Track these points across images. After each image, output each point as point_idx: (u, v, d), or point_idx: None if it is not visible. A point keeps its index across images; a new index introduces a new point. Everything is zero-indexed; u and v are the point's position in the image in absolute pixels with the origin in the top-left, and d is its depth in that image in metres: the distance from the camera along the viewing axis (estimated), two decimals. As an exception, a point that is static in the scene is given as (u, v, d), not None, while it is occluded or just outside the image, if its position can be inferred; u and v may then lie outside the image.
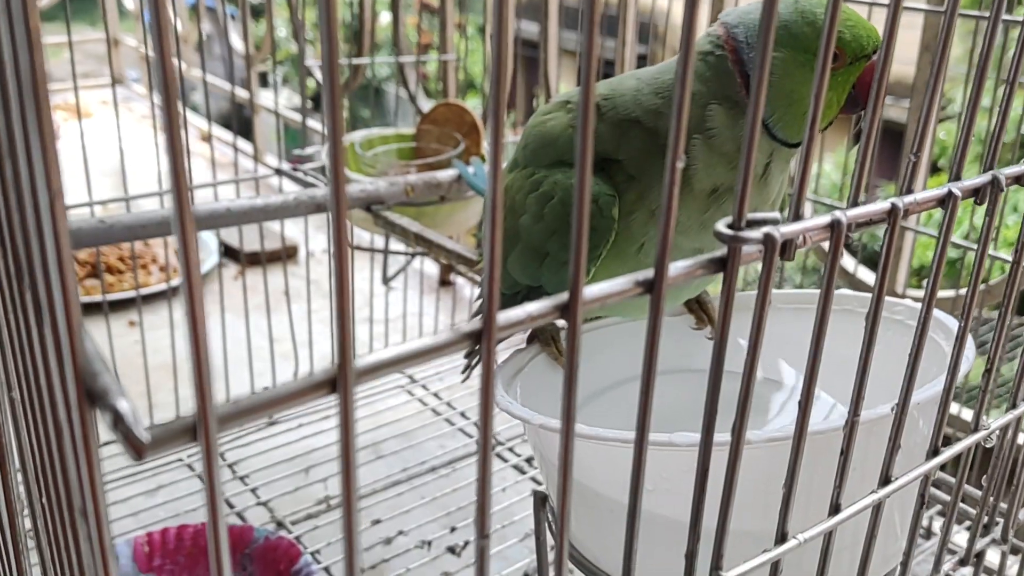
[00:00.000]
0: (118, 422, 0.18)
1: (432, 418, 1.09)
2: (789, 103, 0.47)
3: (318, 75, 1.50)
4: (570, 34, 1.50)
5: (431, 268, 1.50)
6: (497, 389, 0.47)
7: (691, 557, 0.30)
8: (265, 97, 2.32)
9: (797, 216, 0.27)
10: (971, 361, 0.41)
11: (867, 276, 1.01)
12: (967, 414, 0.88)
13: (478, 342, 0.22)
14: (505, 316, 0.22)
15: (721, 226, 0.26)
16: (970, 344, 0.42)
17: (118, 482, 0.92)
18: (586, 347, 0.54)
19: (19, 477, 0.33)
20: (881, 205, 0.29)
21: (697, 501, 0.29)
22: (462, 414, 1.09)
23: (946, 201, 0.31)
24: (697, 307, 0.56)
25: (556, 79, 1.35)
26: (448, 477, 0.98)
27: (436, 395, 1.13)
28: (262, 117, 2.07)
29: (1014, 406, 0.39)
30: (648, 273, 0.25)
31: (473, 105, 1.11)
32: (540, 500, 0.48)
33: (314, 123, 1.12)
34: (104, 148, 1.15)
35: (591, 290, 0.24)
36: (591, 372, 0.54)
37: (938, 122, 0.89)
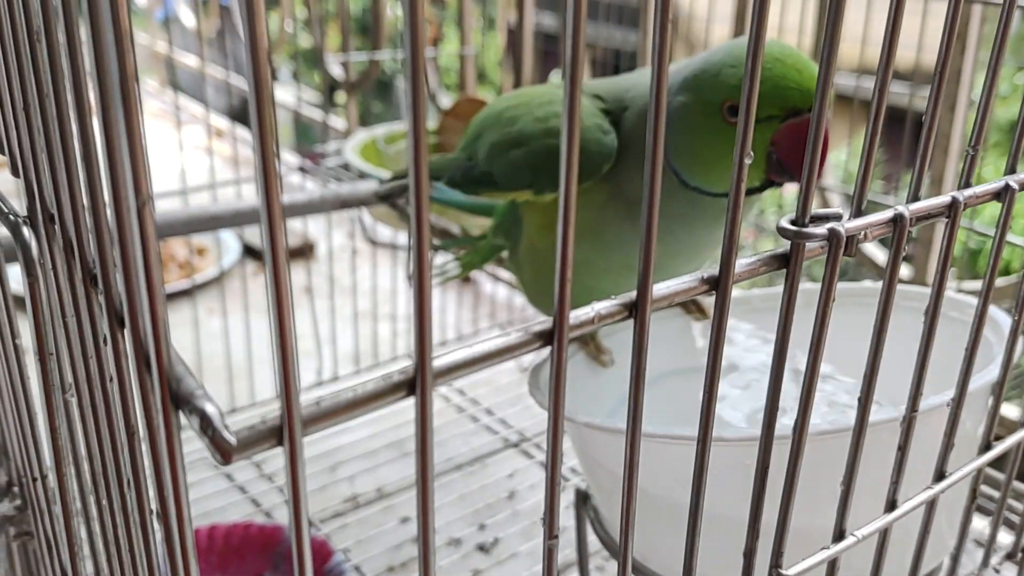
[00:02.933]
0: (206, 425, 0.18)
1: (456, 415, 1.09)
2: (692, 152, 0.46)
3: (335, 71, 1.50)
4: (590, 27, 1.50)
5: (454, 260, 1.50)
6: (538, 388, 0.47)
7: (750, 555, 0.30)
8: (278, 92, 2.32)
9: (859, 212, 0.27)
10: (1019, 351, 0.41)
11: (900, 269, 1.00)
12: (1007, 410, 0.88)
13: (549, 342, 0.22)
14: (575, 315, 0.22)
15: (784, 222, 0.26)
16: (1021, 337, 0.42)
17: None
18: (619, 346, 0.54)
19: (74, 477, 0.33)
20: (942, 199, 0.28)
21: (757, 498, 0.29)
22: (487, 410, 1.09)
23: (1003, 194, 0.30)
24: (693, 306, 0.56)
25: (531, 63, 1.35)
26: (475, 474, 0.98)
27: (460, 391, 1.13)
28: (275, 111, 2.07)
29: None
30: (714, 270, 0.25)
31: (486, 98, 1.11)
32: (581, 497, 0.48)
33: (328, 119, 1.13)
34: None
35: (659, 288, 0.24)
36: (624, 371, 0.54)
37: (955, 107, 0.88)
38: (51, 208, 0.27)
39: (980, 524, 0.78)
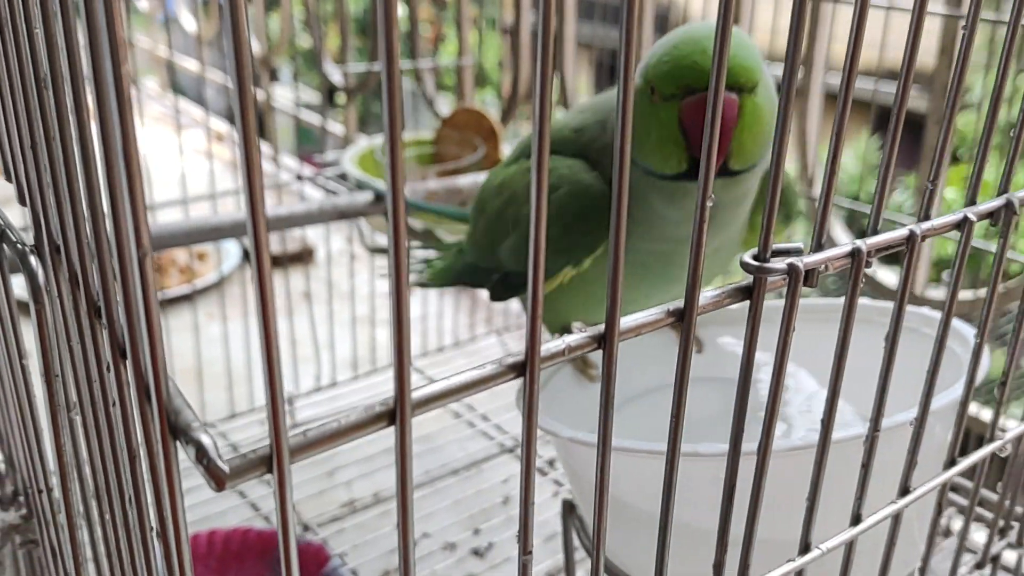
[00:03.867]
0: (201, 456, 0.19)
1: (452, 420, 1.10)
2: (635, 134, 0.48)
3: (335, 78, 1.52)
4: (584, 27, 1.51)
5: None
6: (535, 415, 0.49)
7: (719, 567, 0.31)
8: (278, 92, 2.33)
9: (819, 246, 0.28)
10: (987, 368, 0.42)
11: (887, 276, 1.02)
12: (984, 413, 0.89)
13: (522, 373, 0.24)
14: (546, 348, 0.24)
15: (747, 257, 0.27)
16: (984, 352, 0.44)
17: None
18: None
19: (79, 490, 0.35)
20: (900, 232, 0.30)
21: (725, 511, 0.30)
22: (483, 416, 1.11)
23: (962, 226, 0.32)
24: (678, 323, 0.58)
25: (572, 73, 1.36)
26: (470, 479, 1.00)
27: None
28: (275, 114, 2.09)
29: (1028, 416, 0.40)
30: (679, 303, 0.26)
31: (485, 99, 1.12)
32: (568, 507, 0.50)
33: (327, 123, 1.14)
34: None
35: (627, 321, 0.25)
36: (620, 383, 0.56)
37: (957, 111, 0.89)
38: (57, 240, 0.29)
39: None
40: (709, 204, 0.25)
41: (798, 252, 0.27)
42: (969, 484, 0.44)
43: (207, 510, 0.92)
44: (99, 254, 0.22)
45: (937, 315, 0.50)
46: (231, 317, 1.23)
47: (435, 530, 0.89)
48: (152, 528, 0.26)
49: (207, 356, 1.11)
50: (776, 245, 0.27)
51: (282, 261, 1.12)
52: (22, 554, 0.46)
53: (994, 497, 0.43)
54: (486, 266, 0.58)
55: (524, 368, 0.24)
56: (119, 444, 0.26)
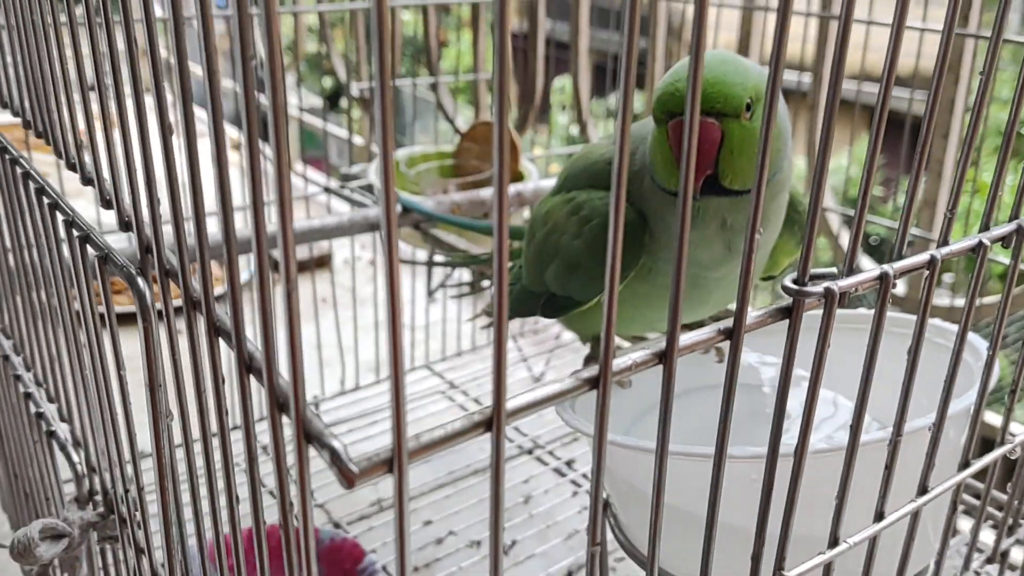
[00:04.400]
0: (335, 458, 0.23)
1: (473, 422, 1.14)
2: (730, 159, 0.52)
3: (352, 91, 1.55)
4: (600, 33, 1.54)
5: (470, 276, 1.55)
6: (564, 407, 0.52)
7: (757, 559, 0.34)
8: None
9: (851, 271, 0.32)
10: (996, 375, 0.46)
11: (904, 287, 1.05)
12: (992, 417, 0.93)
13: (595, 386, 0.27)
14: (617, 363, 0.27)
15: (787, 281, 0.31)
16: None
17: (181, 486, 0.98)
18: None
19: (172, 491, 0.38)
20: (922, 257, 0.33)
21: (763, 509, 0.34)
22: (502, 418, 1.14)
23: (977, 250, 0.35)
24: None
25: (588, 83, 1.40)
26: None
27: (476, 400, 1.18)
28: (288, 122, 2.12)
29: (1035, 421, 0.43)
30: (728, 323, 0.30)
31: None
32: (603, 506, 0.53)
33: (327, 127, 1.18)
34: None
35: (685, 339, 0.29)
36: (637, 392, 0.59)
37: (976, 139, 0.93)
38: (167, 265, 0.32)
39: (970, 527, 0.83)
40: (717, 223, 0.28)
41: (833, 277, 0.31)
42: (980, 485, 0.47)
43: (241, 509, 0.95)
44: (232, 293, 0.25)
45: (946, 326, 0.54)
46: (251, 323, 1.27)
47: (460, 528, 0.93)
48: (264, 522, 0.30)
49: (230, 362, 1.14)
50: (812, 270, 0.31)
51: (309, 266, 1.16)
52: (98, 550, 0.50)
53: (1004, 497, 0.46)
54: (536, 290, 0.62)
55: (598, 382, 0.27)
56: (229, 450, 0.29)
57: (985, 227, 0.36)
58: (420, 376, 1.22)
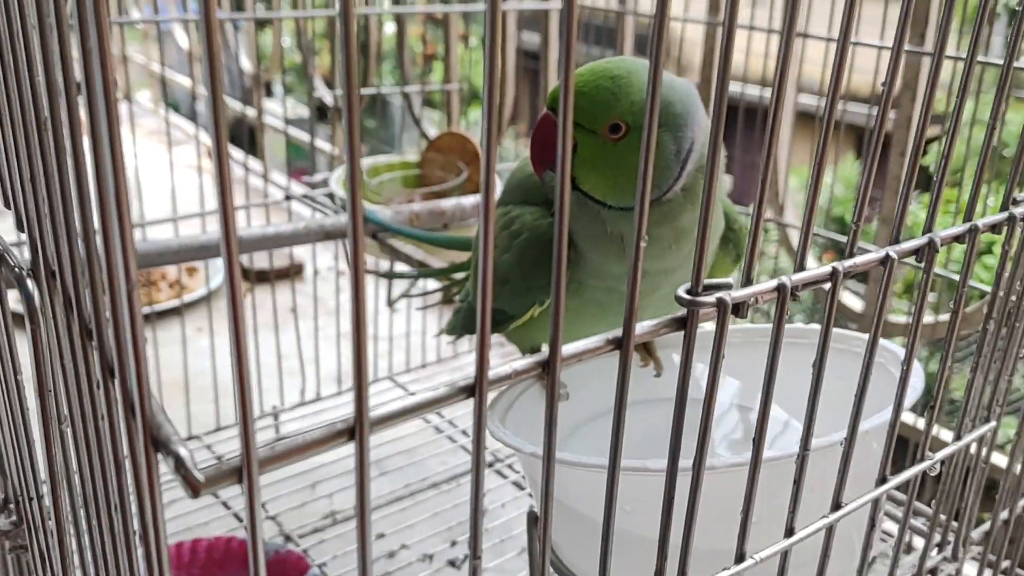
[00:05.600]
0: (179, 466, 0.22)
1: (434, 435, 1.13)
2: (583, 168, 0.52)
3: (326, 99, 1.55)
4: (583, 47, 1.54)
5: (434, 286, 1.54)
6: (493, 418, 0.52)
7: (659, 574, 0.34)
8: (270, 106, 2.37)
9: (748, 281, 0.31)
10: (919, 391, 0.45)
11: (851, 300, 1.05)
12: (944, 433, 0.92)
13: (472, 394, 0.27)
14: (494, 372, 0.27)
15: (681, 291, 0.30)
16: (918, 374, 0.46)
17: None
18: (574, 380, 0.58)
19: (67, 498, 0.37)
20: (824, 269, 0.33)
21: (664, 522, 0.33)
22: (464, 432, 1.13)
23: (885, 263, 0.35)
24: (641, 347, 0.60)
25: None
26: (449, 493, 1.02)
27: (438, 413, 1.17)
28: (266, 131, 2.12)
29: (958, 437, 0.43)
30: (617, 332, 0.29)
31: (476, 119, 1.15)
32: (532, 519, 0.52)
33: (316, 140, 1.17)
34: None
35: (568, 348, 0.28)
36: (579, 403, 0.58)
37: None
38: (52, 266, 0.31)
39: (917, 541, 0.82)
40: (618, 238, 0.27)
41: (728, 287, 0.30)
42: (921, 503, 0.46)
43: (192, 520, 0.94)
44: (91, 283, 0.25)
45: (883, 342, 0.53)
46: (219, 331, 1.25)
47: (413, 542, 0.92)
48: (135, 532, 0.29)
49: (195, 369, 1.14)
50: (708, 280, 0.30)
51: (269, 276, 1.15)
52: (11, 559, 0.49)
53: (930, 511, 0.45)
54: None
55: (474, 389, 0.26)
56: (106, 455, 0.29)
57: (895, 240, 0.36)
58: (383, 387, 1.21)
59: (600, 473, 0.44)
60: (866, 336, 0.55)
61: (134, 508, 0.25)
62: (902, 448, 1.02)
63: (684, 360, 0.31)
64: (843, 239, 0.35)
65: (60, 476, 0.35)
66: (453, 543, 0.92)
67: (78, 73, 0.24)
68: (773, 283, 0.31)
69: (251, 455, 0.22)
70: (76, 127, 0.26)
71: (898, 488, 0.42)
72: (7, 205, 0.37)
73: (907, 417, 1.01)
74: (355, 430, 0.24)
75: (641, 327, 0.29)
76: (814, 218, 0.32)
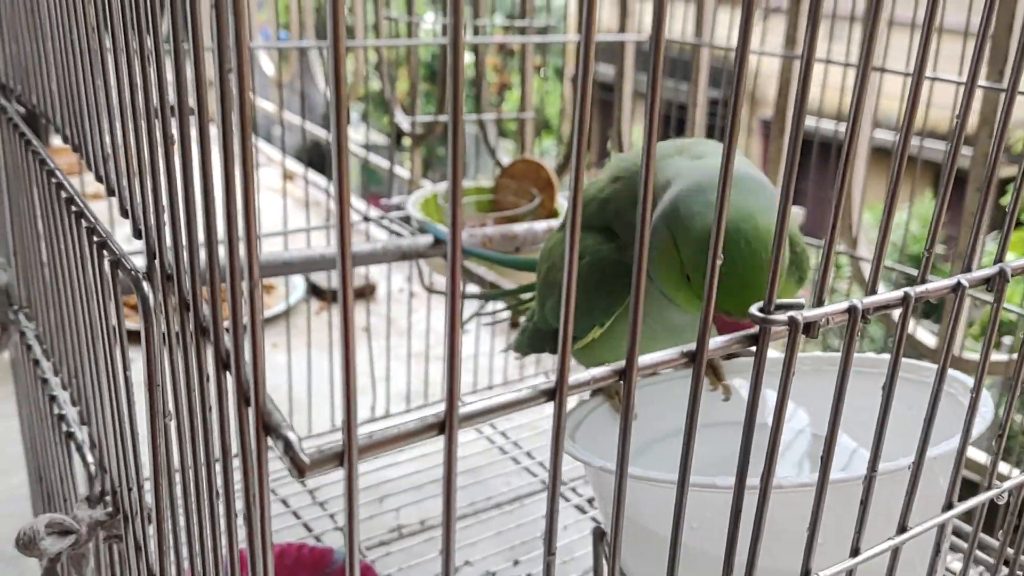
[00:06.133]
0: (288, 448, 0.24)
1: (499, 456, 1.15)
2: (666, 287, 0.52)
3: (403, 125, 1.59)
4: (642, 75, 1.56)
5: (503, 307, 1.57)
6: (564, 437, 0.53)
7: (725, 586, 0.35)
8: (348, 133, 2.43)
9: (820, 302, 0.32)
10: (988, 420, 0.45)
11: (925, 336, 1.04)
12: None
13: (552, 398, 0.28)
14: (574, 378, 0.28)
15: (753, 309, 0.31)
16: (988, 403, 0.47)
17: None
18: (645, 399, 0.59)
19: (167, 489, 0.40)
20: (895, 294, 0.34)
21: (731, 539, 0.34)
22: (528, 453, 1.14)
23: (956, 290, 0.36)
24: (710, 371, 0.61)
25: (629, 122, 1.42)
26: (512, 513, 1.03)
27: (503, 434, 1.18)
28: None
29: (1028, 469, 0.43)
30: (691, 346, 0.30)
31: (547, 148, 1.17)
32: (598, 535, 0.54)
33: (395, 168, 1.21)
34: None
35: (644, 359, 0.30)
36: (650, 421, 0.60)
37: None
38: (168, 269, 0.34)
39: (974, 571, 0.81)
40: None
41: (799, 307, 0.32)
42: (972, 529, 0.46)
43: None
44: (212, 285, 0.27)
45: (955, 373, 0.53)
46: (295, 347, 1.29)
47: (477, 559, 0.93)
48: (236, 515, 0.31)
49: (270, 384, 1.17)
50: (781, 300, 0.31)
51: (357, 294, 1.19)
52: (104, 548, 0.52)
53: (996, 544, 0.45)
54: (544, 327, 0.63)
55: (554, 393, 0.28)
56: (212, 444, 0.31)
57: (967, 268, 0.36)
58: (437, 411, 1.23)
59: (668, 489, 0.45)
60: (916, 363, 0.55)
61: (239, 492, 0.27)
62: (967, 488, 1.00)
63: (755, 375, 0.32)
64: (953, 277, 0.36)
65: (163, 465, 0.38)
66: (516, 562, 0.93)
67: (194, 95, 0.27)
68: (844, 304, 0.32)
69: (352, 442, 0.25)
70: (207, 147, 0.29)
71: (965, 521, 0.42)
72: (124, 215, 0.40)
73: (973, 454, 1.00)
74: (445, 424, 0.26)
75: (715, 342, 0.31)
76: (887, 242, 0.33)
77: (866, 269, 1.04)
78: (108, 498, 0.50)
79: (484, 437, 1.18)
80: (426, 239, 0.91)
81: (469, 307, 1.24)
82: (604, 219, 0.58)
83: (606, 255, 0.56)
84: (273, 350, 1.40)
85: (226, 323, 0.28)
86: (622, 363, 0.29)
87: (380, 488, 1.05)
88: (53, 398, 0.58)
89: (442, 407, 0.26)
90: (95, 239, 0.42)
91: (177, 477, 0.38)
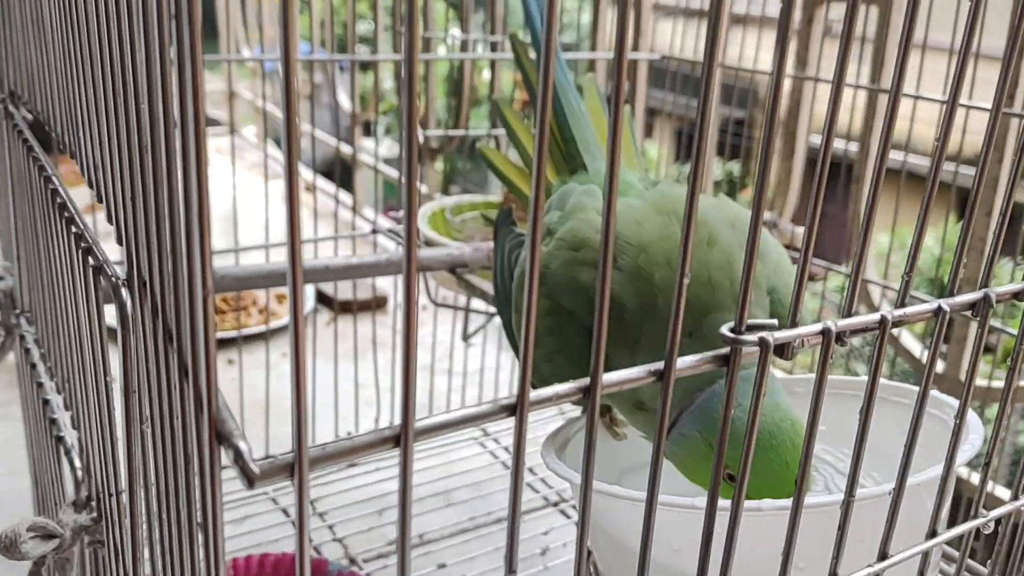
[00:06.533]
0: (238, 457, 0.24)
1: (502, 471, 1.14)
2: (682, 467, 0.51)
3: (421, 140, 1.60)
4: (656, 92, 1.56)
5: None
6: (550, 452, 0.53)
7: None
8: (368, 145, 2.44)
9: (793, 324, 0.32)
10: (976, 446, 0.45)
11: (942, 365, 1.03)
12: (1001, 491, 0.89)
13: (513, 413, 0.28)
14: (536, 394, 0.28)
15: (724, 329, 0.31)
16: (978, 430, 0.46)
17: (234, 504, 1.00)
18: (628, 427, 0.59)
19: (142, 494, 0.40)
20: (872, 317, 0.33)
21: (702, 561, 0.34)
22: (530, 469, 1.14)
23: (938, 314, 0.35)
24: None
25: (641, 138, 1.41)
26: (512, 528, 1.03)
27: (507, 449, 1.18)
28: (363, 168, 2.19)
29: (1015, 497, 0.42)
30: (659, 365, 0.30)
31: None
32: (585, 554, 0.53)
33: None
34: (215, 195, 1.26)
35: (609, 376, 0.29)
36: (643, 444, 0.59)
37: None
38: (144, 276, 0.34)
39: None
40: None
41: (772, 327, 0.31)
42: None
43: (263, 536, 0.97)
44: (175, 290, 0.27)
45: (947, 399, 0.53)
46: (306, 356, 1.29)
47: (473, 574, 0.93)
48: (198, 523, 0.31)
49: (278, 392, 1.17)
50: (751, 320, 0.31)
51: (351, 307, 1.19)
52: (89, 553, 0.52)
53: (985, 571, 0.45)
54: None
55: (515, 409, 0.28)
56: (179, 451, 0.31)
57: (950, 292, 0.36)
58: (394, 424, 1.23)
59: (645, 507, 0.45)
60: (940, 395, 0.54)
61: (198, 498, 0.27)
62: (957, 507, 0.99)
63: (727, 399, 0.31)
64: (934, 301, 0.35)
65: (138, 473, 0.38)
66: (513, 579, 0.93)
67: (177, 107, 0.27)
68: (818, 326, 0.32)
69: (303, 453, 0.24)
70: (172, 155, 0.29)
71: (955, 547, 0.41)
72: (109, 220, 0.40)
73: (965, 473, 0.98)
74: (400, 437, 0.26)
75: (683, 361, 0.31)
76: (863, 264, 0.33)
77: (874, 292, 1.03)
78: (93, 503, 0.51)
79: (488, 452, 1.18)
80: (429, 253, 0.91)
81: (475, 322, 1.24)
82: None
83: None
84: (281, 359, 1.41)
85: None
86: (586, 380, 0.29)
87: (381, 500, 1.04)
88: (47, 402, 0.58)
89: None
90: (82, 244, 0.42)
91: (152, 482, 0.39)
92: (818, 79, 1.00)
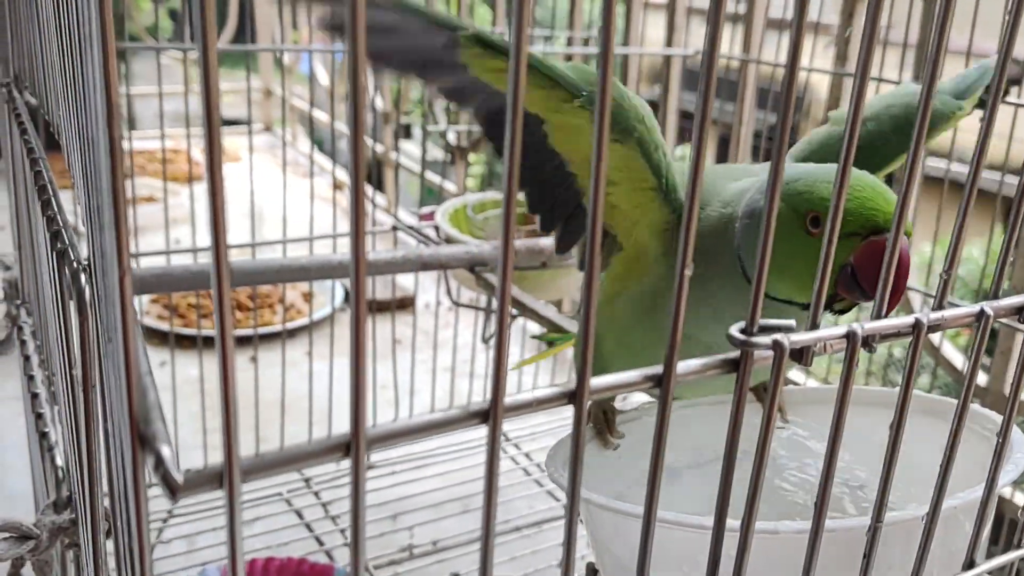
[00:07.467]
0: (158, 464, 0.21)
1: (523, 478, 1.11)
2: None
3: (450, 137, 1.57)
4: (691, 95, 1.52)
5: (533, 326, 1.53)
6: (556, 461, 0.49)
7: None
8: (407, 148, 2.42)
9: (814, 325, 0.28)
10: (1021, 466, 0.40)
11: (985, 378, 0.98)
12: None
13: (485, 420, 0.25)
14: (513, 399, 0.25)
15: (734, 330, 0.27)
16: (1022, 446, 0.41)
17: (217, 511, 0.97)
18: (641, 434, 0.55)
19: (106, 500, 0.37)
20: (906, 320, 0.29)
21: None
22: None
23: (980, 318, 0.31)
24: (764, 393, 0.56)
25: (673, 141, 1.38)
26: (531, 538, 0.99)
27: (528, 455, 1.15)
28: (398, 169, 2.17)
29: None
30: (657, 369, 0.27)
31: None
32: (591, 571, 0.50)
33: (444, 182, 1.18)
34: (246, 192, 1.24)
35: (599, 381, 0.26)
36: (643, 458, 0.55)
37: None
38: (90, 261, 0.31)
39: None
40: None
41: (788, 329, 0.27)
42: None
43: (275, 538, 0.95)
44: (122, 286, 0.24)
45: (991, 414, 0.48)
46: (321, 356, 1.27)
47: (487, 585, 0.89)
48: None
49: (296, 391, 1.15)
50: (766, 320, 0.27)
51: (390, 306, 1.16)
52: (69, 555, 0.49)
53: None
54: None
55: (488, 415, 0.24)
56: (115, 452, 0.28)
57: (993, 295, 0.32)
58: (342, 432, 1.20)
59: (661, 527, 0.41)
60: (985, 410, 0.50)
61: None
62: (999, 529, 0.93)
63: (735, 407, 0.28)
64: (976, 304, 0.32)
65: (98, 473, 0.35)
66: (528, 590, 0.90)
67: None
68: (842, 329, 0.28)
69: (233, 462, 0.21)
70: (98, 140, 0.26)
71: (996, 578, 0.37)
72: (76, 203, 0.38)
73: (1008, 492, 0.93)
74: (350, 445, 0.23)
75: (686, 365, 0.27)
76: (892, 266, 0.29)
77: (915, 299, 0.98)
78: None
79: (508, 457, 1.14)
80: (449, 250, 0.88)
81: (494, 322, 1.21)
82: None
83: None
84: (305, 358, 1.38)
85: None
86: (572, 385, 0.26)
87: (397, 505, 1.01)
88: (35, 396, 0.56)
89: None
90: (53, 228, 0.40)
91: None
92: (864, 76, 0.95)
